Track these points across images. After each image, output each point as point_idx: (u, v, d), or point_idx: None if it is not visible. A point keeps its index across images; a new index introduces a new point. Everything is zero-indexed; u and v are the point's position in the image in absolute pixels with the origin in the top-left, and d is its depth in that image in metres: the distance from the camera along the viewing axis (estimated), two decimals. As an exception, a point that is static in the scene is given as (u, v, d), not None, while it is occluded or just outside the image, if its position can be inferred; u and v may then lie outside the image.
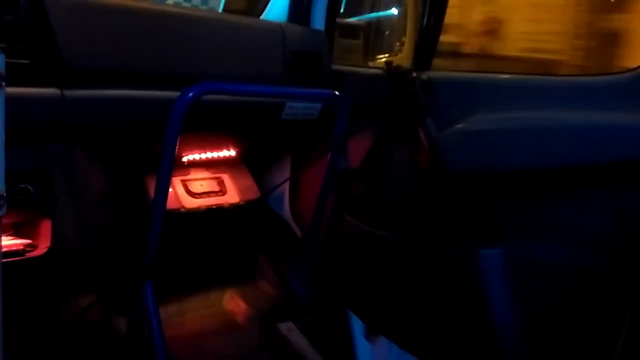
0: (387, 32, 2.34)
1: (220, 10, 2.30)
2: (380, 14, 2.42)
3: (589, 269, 1.06)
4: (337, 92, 1.44)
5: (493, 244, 1.17)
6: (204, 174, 1.80)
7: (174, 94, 1.16)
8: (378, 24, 2.40)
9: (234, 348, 1.63)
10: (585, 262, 1.06)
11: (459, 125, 1.22)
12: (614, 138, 1.01)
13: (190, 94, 1.15)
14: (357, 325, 1.60)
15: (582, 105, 1.09)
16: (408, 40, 2.17)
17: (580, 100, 1.10)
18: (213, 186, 1.78)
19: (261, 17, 1.79)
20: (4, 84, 0.69)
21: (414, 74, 1.33)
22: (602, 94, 1.07)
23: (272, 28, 1.50)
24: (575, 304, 1.08)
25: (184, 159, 1.70)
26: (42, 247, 1.30)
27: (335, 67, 1.64)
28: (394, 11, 2.36)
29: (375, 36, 2.37)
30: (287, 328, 1.75)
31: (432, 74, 1.33)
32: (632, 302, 0.96)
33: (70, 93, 1.16)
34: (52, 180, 1.26)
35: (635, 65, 1.05)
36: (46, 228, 1.32)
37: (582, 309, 1.07)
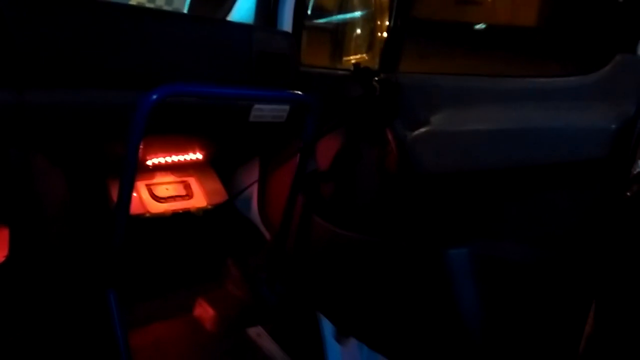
0: (355, 34, 2.35)
1: (185, 11, 2.27)
2: (348, 15, 2.42)
3: (553, 266, 1.08)
4: (305, 94, 1.43)
5: (460, 244, 1.18)
6: (170, 177, 1.76)
7: (138, 96, 1.13)
8: (346, 25, 2.40)
9: (202, 354, 1.60)
10: (548, 260, 1.08)
11: (426, 127, 1.23)
12: (576, 139, 1.03)
13: (154, 97, 1.12)
14: (327, 328, 1.60)
15: (547, 105, 1.11)
16: (376, 42, 2.18)
17: (545, 100, 1.12)
18: (179, 190, 1.75)
19: (227, 18, 1.77)
20: None
21: (382, 76, 1.34)
22: (565, 95, 1.10)
23: (239, 29, 1.48)
24: (540, 300, 1.10)
25: (149, 163, 1.67)
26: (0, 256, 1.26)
27: (302, 68, 1.63)
28: (362, 13, 2.37)
29: (342, 38, 2.37)
30: (256, 332, 1.73)
31: (400, 75, 1.34)
32: (595, 295, 0.98)
33: (28, 95, 1.12)
34: (9, 187, 1.21)
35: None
36: (3, 236, 1.27)
37: (547, 305, 1.09)
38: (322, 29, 2.31)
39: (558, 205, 1.08)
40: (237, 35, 1.46)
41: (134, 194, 1.60)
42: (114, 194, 1.50)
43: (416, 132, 1.24)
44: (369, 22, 2.30)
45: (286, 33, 1.64)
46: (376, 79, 1.35)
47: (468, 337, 1.18)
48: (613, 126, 0.98)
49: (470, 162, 1.16)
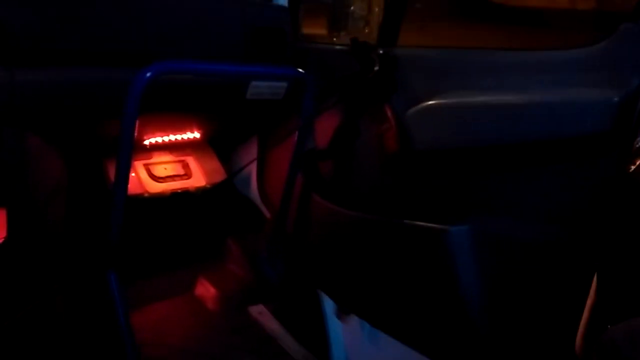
0: (352, 8, 2.30)
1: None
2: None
3: (553, 242, 1.07)
4: (302, 70, 1.41)
5: (461, 221, 1.17)
6: (168, 157, 1.75)
7: (131, 74, 1.12)
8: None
9: (204, 333, 1.61)
10: (549, 236, 1.08)
11: (425, 102, 1.21)
12: (576, 113, 1.01)
13: (148, 75, 1.10)
14: (329, 305, 1.60)
15: (547, 78, 1.08)
16: (374, 16, 2.14)
17: (546, 73, 1.09)
18: (178, 169, 1.74)
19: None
20: None
21: (380, 51, 1.31)
22: (566, 68, 1.07)
23: (232, 3, 1.45)
24: (540, 277, 1.10)
25: (146, 142, 1.65)
26: None
27: (299, 43, 1.60)
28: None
29: (341, 11, 2.33)
30: (257, 311, 1.74)
31: (398, 50, 1.31)
32: (597, 270, 0.98)
33: (20, 74, 1.10)
34: (4, 168, 1.20)
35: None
36: (1, 217, 1.26)
37: (547, 281, 1.09)
38: (319, 1, 2.26)
39: (560, 180, 1.07)
40: (231, 9, 1.43)
41: (132, 174, 1.59)
42: (112, 174, 1.49)
43: (415, 108, 1.22)
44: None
45: (282, 7, 1.61)
46: (374, 53, 1.32)
47: (469, 314, 1.18)
48: (616, 99, 0.96)
49: (471, 137, 1.14)
